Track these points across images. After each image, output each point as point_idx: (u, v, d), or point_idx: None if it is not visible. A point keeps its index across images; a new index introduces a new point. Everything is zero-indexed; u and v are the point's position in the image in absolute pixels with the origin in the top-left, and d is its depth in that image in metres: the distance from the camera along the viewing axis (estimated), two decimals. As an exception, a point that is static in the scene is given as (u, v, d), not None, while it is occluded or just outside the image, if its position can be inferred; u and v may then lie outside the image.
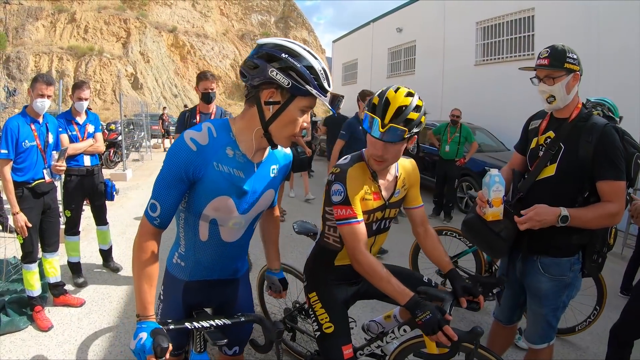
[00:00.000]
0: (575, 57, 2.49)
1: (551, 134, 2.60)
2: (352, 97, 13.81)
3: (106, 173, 11.11)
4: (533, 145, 2.71)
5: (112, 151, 14.52)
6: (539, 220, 2.33)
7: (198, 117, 4.80)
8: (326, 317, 2.43)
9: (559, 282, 2.59)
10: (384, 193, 2.35)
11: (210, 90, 4.76)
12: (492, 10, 14.10)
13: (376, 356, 2.77)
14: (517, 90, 11.29)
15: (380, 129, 2.05)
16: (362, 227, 2.19)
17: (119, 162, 14.33)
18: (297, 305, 3.47)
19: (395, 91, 2.09)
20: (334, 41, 31.60)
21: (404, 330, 2.43)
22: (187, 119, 4.79)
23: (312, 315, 2.50)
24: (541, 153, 2.61)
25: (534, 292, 2.69)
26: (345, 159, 2.33)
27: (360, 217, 2.19)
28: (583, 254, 2.60)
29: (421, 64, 19.10)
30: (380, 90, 2.14)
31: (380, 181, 2.34)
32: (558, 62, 2.47)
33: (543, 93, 2.56)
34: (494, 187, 2.41)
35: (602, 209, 2.36)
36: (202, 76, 4.81)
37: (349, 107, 10.88)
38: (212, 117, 4.80)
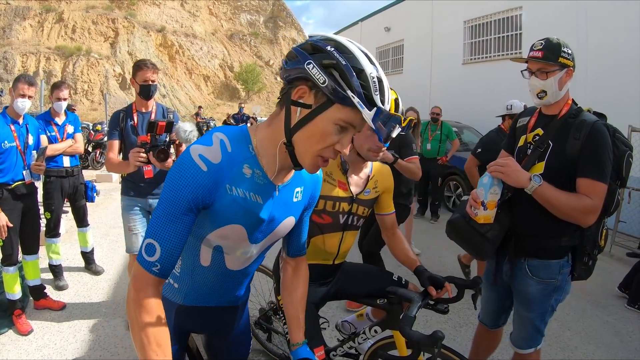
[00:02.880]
0: (569, 52, 2.42)
1: (540, 131, 2.52)
2: None
3: (92, 174, 11.08)
4: (521, 143, 2.64)
5: (98, 152, 14.34)
6: (507, 174, 2.30)
7: (135, 118, 3.95)
8: None
9: (547, 286, 2.52)
10: (352, 187, 2.36)
11: (150, 82, 3.86)
12: (479, 10, 14.14)
13: (351, 356, 2.75)
14: (505, 89, 11.33)
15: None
16: None
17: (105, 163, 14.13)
18: (272, 305, 3.44)
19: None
20: None
21: (375, 331, 2.44)
22: (121, 120, 3.92)
23: (283, 318, 2.46)
24: (529, 151, 2.53)
25: (522, 296, 2.63)
26: None
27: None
28: (573, 256, 2.53)
29: (409, 63, 19.14)
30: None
31: (352, 176, 2.36)
32: (552, 55, 2.39)
33: (534, 87, 2.47)
34: (492, 190, 2.35)
35: (578, 200, 2.28)
36: (141, 64, 3.88)
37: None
38: (153, 116, 4.00)
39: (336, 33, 28.61)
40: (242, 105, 15.91)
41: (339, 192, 2.30)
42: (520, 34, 12.62)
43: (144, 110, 4.00)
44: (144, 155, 3.46)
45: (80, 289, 4.86)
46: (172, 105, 46.54)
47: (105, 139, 13.27)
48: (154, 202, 3.97)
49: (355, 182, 2.37)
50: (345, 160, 2.30)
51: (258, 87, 56.76)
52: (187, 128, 3.65)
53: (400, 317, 2.00)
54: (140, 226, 3.96)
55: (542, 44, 2.43)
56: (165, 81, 48.98)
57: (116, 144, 3.87)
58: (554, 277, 2.50)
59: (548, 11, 11.24)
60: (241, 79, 55.83)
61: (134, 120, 3.94)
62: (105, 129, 13.64)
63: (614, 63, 9.43)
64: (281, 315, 2.52)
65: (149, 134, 3.52)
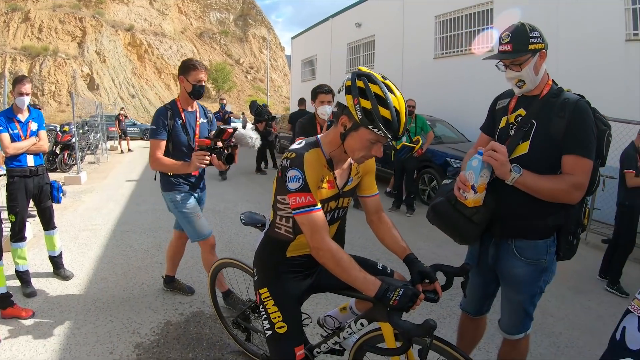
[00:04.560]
0: (538, 34, 2.36)
1: (522, 111, 2.48)
2: (310, 93, 13.90)
3: (60, 176, 10.78)
4: (502, 124, 2.59)
5: (66, 154, 14.01)
6: (502, 162, 2.25)
7: (183, 117, 3.97)
8: (279, 316, 2.26)
9: (535, 267, 2.49)
10: (338, 181, 2.20)
11: (203, 83, 3.95)
12: (451, 4, 14.27)
13: (335, 352, 2.63)
14: (476, 82, 11.49)
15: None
16: (322, 215, 2.03)
17: (73, 165, 13.81)
18: (251, 303, 3.30)
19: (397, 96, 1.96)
20: (292, 37, 31.74)
21: (361, 324, 2.32)
22: (169, 119, 3.88)
23: (263, 313, 2.32)
24: (512, 132, 2.49)
25: (510, 279, 2.59)
26: (299, 143, 2.15)
27: (319, 205, 2.03)
28: (558, 236, 2.51)
29: (380, 58, 19.26)
30: (385, 100, 1.93)
31: (336, 169, 2.19)
32: (521, 46, 2.33)
33: (511, 79, 2.44)
34: (482, 173, 2.30)
35: (560, 181, 2.27)
36: (196, 64, 3.92)
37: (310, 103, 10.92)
38: (198, 116, 4.10)
39: (306, 30, 28.74)
40: (224, 101, 14.28)
41: (327, 193, 2.15)
42: (492, 28, 12.71)
43: (189, 110, 4.08)
44: (209, 158, 3.71)
45: (49, 295, 4.61)
46: (141, 106, 45.95)
47: (73, 140, 13.09)
48: (198, 195, 4.23)
49: (340, 174, 2.22)
50: (330, 158, 2.14)
51: (228, 85, 56.54)
52: (252, 135, 4.14)
53: (389, 308, 1.93)
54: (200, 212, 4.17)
55: (509, 35, 2.38)
56: (135, 81, 48.41)
57: (164, 143, 3.91)
58: (542, 257, 2.48)
59: (519, 5, 11.32)
60: (211, 78, 55.55)
61: (182, 119, 3.99)
62: (73, 130, 13.26)
63: (585, 56, 9.57)
64: (260, 310, 2.37)
65: (208, 138, 3.78)
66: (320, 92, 4.55)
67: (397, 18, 17.22)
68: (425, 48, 15.54)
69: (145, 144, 27.41)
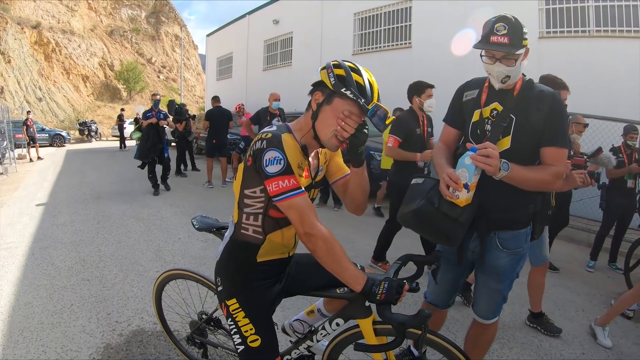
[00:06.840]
0: (526, 30, 2.32)
1: (497, 105, 2.45)
2: (226, 92, 13.79)
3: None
4: (476, 118, 2.54)
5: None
6: (494, 167, 2.19)
7: None
8: (251, 328, 2.08)
9: (516, 256, 2.57)
10: (312, 170, 2.10)
11: None
12: (370, 2, 14.65)
13: (304, 358, 2.50)
14: (393, 78, 11.71)
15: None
16: (308, 199, 1.91)
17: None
18: (205, 316, 3.10)
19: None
20: (207, 35, 31.49)
21: (337, 324, 2.24)
22: None
23: (233, 327, 2.13)
24: (488, 127, 2.47)
25: (492, 270, 2.63)
26: (270, 126, 2.00)
27: (303, 188, 1.88)
28: (533, 222, 2.61)
29: (298, 55, 19.54)
30: (358, 70, 2.00)
31: (310, 158, 2.09)
32: (518, 40, 2.26)
33: (499, 74, 2.33)
34: (476, 171, 2.24)
35: (545, 171, 2.32)
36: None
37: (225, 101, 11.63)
38: None
39: (222, 27, 28.51)
40: (158, 97, 11.18)
41: (304, 183, 2.00)
42: (410, 25, 13.05)
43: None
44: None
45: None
46: (49, 110, 43.66)
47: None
48: None
49: (312, 164, 2.11)
50: (305, 144, 2.02)
51: (140, 86, 54.49)
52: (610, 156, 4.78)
53: (376, 303, 1.87)
54: None
55: (505, 27, 2.27)
56: (42, 83, 45.76)
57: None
58: (521, 245, 2.57)
59: (438, 3, 11.67)
60: (122, 78, 53.37)
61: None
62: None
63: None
64: (229, 324, 2.16)
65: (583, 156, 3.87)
66: None
67: (316, 15, 17.42)
68: (344, 45, 15.78)
69: (56, 150, 25.95)
